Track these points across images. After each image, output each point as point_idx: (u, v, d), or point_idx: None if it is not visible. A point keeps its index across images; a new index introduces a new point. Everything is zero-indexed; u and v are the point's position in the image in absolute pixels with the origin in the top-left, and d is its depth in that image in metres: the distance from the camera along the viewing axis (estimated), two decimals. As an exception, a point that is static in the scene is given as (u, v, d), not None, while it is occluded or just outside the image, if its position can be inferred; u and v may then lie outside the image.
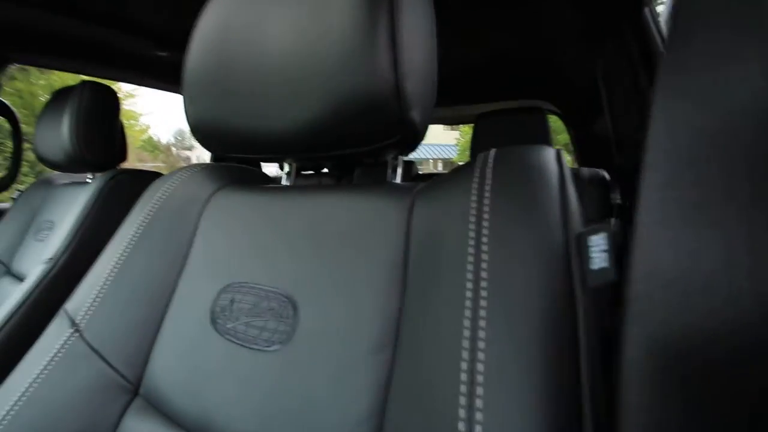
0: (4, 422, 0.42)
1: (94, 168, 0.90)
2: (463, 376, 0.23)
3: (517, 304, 0.24)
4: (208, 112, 0.44)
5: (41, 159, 0.96)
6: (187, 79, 0.45)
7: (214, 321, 0.41)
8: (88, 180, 1.01)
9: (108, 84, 0.94)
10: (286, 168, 0.54)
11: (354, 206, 0.38)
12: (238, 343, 0.38)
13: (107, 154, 0.89)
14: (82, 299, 0.47)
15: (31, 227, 0.98)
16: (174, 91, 1.47)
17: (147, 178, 0.90)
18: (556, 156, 0.31)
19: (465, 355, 0.23)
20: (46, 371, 0.44)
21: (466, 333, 0.24)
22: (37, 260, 0.87)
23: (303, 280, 0.37)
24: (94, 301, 0.46)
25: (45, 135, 0.93)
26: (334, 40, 0.33)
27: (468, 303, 0.25)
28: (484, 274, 0.25)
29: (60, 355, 0.45)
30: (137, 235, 0.49)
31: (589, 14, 0.96)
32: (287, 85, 0.37)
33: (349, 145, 0.38)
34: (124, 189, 0.85)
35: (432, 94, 0.38)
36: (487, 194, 0.29)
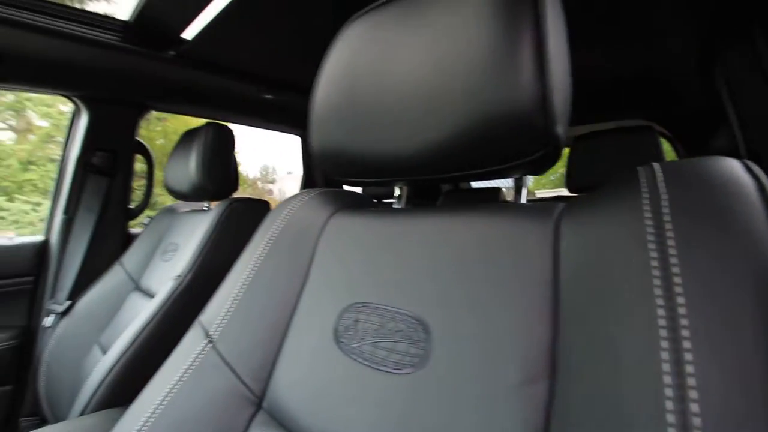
0: (145, 428, 0.45)
1: (213, 197, 1.02)
2: (669, 406, 0.20)
3: (735, 334, 0.20)
4: (332, 140, 0.47)
5: (170, 190, 1.10)
6: (315, 111, 0.48)
7: (338, 340, 0.42)
8: (204, 208, 1.14)
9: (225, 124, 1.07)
10: (397, 191, 0.54)
11: (486, 228, 0.37)
12: (364, 364, 0.38)
13: (225, 184, 1.00)
14: (214, 312, 0.51)
15: (158, 249, 1.11)
16: (275, 129, 1.63)
17: (257, 205, 0.99)
18: (744, 168, 0.27)
19: (669, 392, 0.20)
20: (182, 380, 0.47)
21: (666, 367, 0.21)
22: (162, 278, 0.99)
23: (434, 302, 0.36)
24: (226, 314, 0.50)
25: (175, 169, 1.07)
26: (471, 57, 0.34)
27: (663, 332, 0.22)
28: (680, 300, 0.22)
29: (195, 364, 0.48)
30: (263, 255, 0.52)
31: (708, 20, 0.88)
32: (416, 109, 0.38)
33: (482, 164, 0.37)
34: (238, 215, 0.94)
35: (570, 107, 0.36)
36: (665, 212, 0.25)
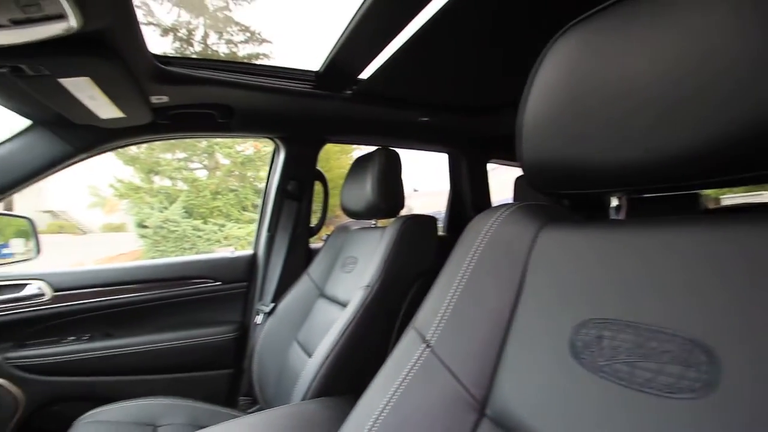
0: (375, 428, 0.51)
1: (386, 214, 1.13)
2: None
3: None
4: (545, 151, 0.47)
5: (346, 209, 1.26)
6: (525, 124, 0.49)
7: (577, 356, 0.41)
8: (372, 225, 1.27)
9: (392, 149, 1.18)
10: (614, 202, 0.51)
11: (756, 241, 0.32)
12: (620, 384, 0.36)
13: (395, 202, 1.10)
14: (428, 318, 0.55)
15: (337, 262, 1.28)
16: (426, 149, 1.75)
17: (427, 220, 1.06)
18: None
19: None
20: (405, 383, 0.52)
21: None
22: (346, 287, 1.12)
23: (712, 323, 0.33)
24: (441, 320, 0.53)
25: (350, 191, 1.22)
26: (744, 54, 0.30)
27: None
28: None
29: (416, 368, 0.52)
30: (470, 266, 0.55)
31: None
32: (654, 115, 0.36)
33: (751, 168, 0.33)
34: (413, 230, 1.01)
35: None
36: None
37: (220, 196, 9.21)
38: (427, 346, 0.53)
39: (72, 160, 1.17)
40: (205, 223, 8.98)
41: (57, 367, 1.23)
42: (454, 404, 0.49)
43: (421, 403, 0.50)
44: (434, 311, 0.55)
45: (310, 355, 1.05)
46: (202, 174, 9.82)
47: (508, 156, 1.81)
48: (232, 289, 1.47)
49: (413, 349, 0.54)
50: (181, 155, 9.88)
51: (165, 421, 1.10)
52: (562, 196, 0.52)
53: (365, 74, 1.14)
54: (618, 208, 0.51)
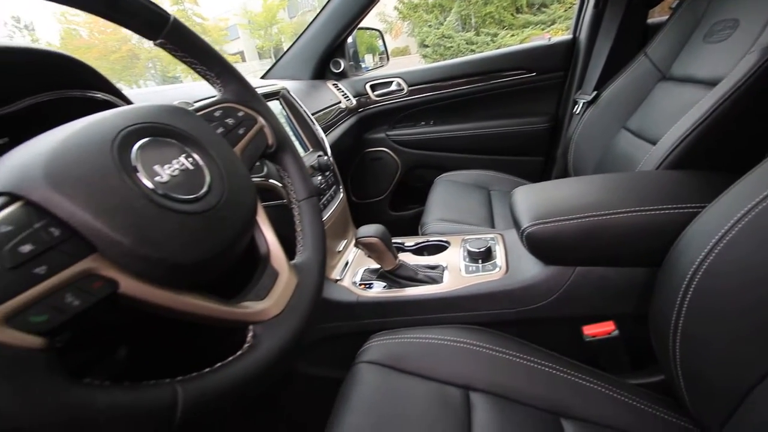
0: None
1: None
2: None
3: None
4: None
5: None
6: None
7: None
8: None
9: None
10: None
11: None
12: None
13: None
14: None
15: (694, 33, 1.01)
16: None
17: None
18: None
19: None
20: None
21: None
22: (712, 60, 0.91)
23: None
24: None
25: None
26: None
27: None
28: None
29: None
30: None
31: None
32: None
33: None
34: None
35: None
36: None
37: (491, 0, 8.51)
38: None
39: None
40: (478, 34, 8.78)
41: (416, 143, 1.71)
42: None
43: None
44: None
45: (650, 141, 0.99)
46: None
47: None
48: (547, 80, 1.48)
49: None
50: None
51: (494, 187, 1.40)
52: None
53: None
54: None
